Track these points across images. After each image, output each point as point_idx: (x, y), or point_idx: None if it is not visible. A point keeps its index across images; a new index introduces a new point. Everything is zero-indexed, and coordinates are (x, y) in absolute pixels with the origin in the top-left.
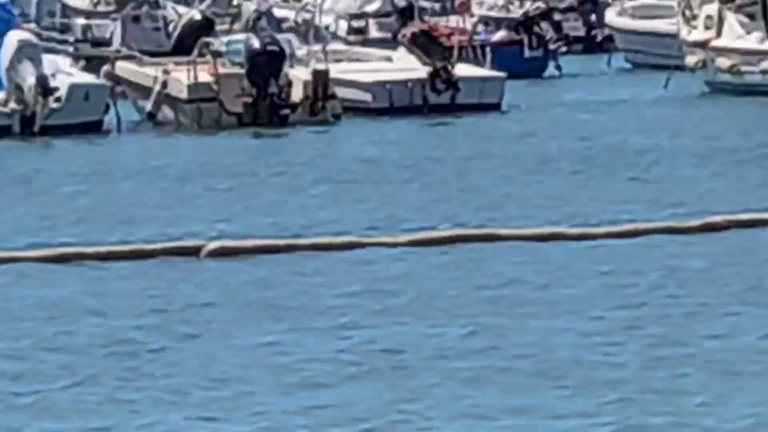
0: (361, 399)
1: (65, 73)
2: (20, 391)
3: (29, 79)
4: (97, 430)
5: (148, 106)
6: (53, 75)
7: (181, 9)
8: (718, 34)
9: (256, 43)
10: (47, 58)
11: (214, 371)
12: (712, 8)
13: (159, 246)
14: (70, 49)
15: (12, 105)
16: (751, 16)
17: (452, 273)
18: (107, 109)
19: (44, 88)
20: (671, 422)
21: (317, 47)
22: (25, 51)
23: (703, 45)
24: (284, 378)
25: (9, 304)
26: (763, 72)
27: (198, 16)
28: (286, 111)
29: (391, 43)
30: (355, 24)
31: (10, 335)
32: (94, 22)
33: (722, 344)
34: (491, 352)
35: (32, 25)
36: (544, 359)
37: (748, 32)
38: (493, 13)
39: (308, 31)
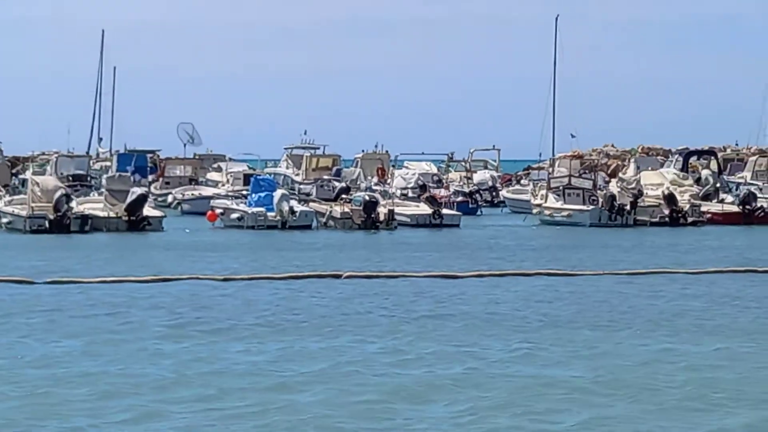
0: None
1: (297, 205)
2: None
3: (285, 207)
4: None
5: (323, 220)
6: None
7: (338, 184)
8: (545, 200)
9: (366, 197)
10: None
11: None
12: (543, 192)
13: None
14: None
15: (277, 218)
16: (559, 195)
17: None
18: (312, 221)
19: (292, 212)
20: None
21: (389, 201)
22: (283, 197)
23: (539, 205)
24: None
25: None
26: (543, 216)
27: (344, 184)
28: (378, 224)
29: (417, 199)
30: (403, 192)
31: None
32: (323, 185)
33: None
34: None
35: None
36: None
37: (557, 200)
38: (458, 188)
39: (385, 194)
